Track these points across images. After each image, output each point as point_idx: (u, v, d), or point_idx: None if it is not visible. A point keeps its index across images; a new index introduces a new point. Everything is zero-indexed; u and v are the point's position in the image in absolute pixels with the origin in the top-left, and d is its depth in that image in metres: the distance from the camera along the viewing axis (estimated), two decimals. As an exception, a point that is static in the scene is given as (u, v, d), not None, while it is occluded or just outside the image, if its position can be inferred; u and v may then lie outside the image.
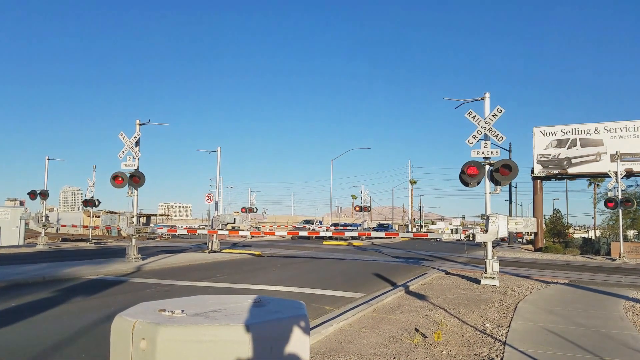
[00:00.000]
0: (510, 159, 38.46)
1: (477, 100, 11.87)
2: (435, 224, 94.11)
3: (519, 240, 55.17)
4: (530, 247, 33.86)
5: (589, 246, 29.61)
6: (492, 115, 11.17)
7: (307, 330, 1.71)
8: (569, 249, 28.93)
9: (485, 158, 11.25)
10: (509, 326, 6.64)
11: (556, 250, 28.27)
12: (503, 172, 10.77)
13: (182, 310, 1.68)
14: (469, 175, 11.11)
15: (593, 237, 36.18)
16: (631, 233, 37.12)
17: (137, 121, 15.01)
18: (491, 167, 11.06)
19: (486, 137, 11.25)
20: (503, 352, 5.30)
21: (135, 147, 14.74)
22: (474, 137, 11.33)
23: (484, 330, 6.45)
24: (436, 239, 48.97)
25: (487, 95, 11.62)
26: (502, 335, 6.11)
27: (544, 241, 31.19)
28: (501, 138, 11.08)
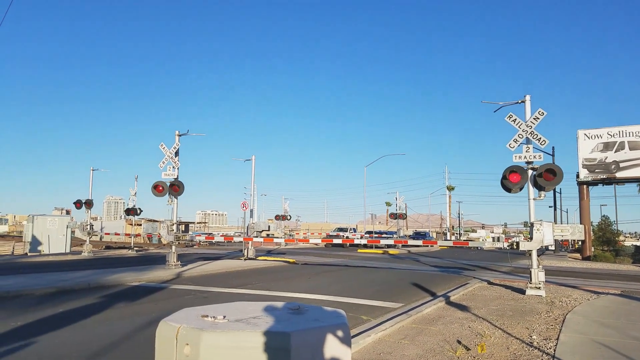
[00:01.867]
0: (553, 163, 36.93)
1: (517, 103, 11.48)
2: (476, 231, 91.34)
3: (565, 248, 52.72)
4: (578, 255, 32.21)
5: (642, 255, 27.85)
6: (534, 118, 10.76)
7: (347, 340, 1.65)
8: (619, 258, 27.30)
9: (528, 162, 10.83)
10: (557, 339, 6.29)
11: (606, 258, 26.75)
12: (547, 177, 10.32)
13: (224, 317, 1.66)
14: (511, 181, 10.72)
15: (646, 246, 34.02)
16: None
17: (177, 132, 15.47)
18: (534, 172, 10.63)
19: (528, 141, 10.83)
20: (553, 367, 5.01)
21: (175, 157, 15.18)
22: (515, 141, 10.94)
23: (531, 342, 6.14)
24: (477, 247, 47.48)
25: (528, 97, 11.22)
26: (550, 349, 5.79)
27: (592, 249, 29.61)
28: (544, 142, 10.64)
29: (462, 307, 8.74)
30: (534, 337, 6.46)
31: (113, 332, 6.41)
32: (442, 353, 5.56)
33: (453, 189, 68.31)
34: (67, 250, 24.89)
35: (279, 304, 2.05)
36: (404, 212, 39.82)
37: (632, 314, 8.34)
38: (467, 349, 5.75)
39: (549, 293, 10.67)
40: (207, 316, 1.65)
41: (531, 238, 10.38)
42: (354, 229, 56.49)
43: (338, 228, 53.06)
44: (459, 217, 74.58)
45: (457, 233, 69.72)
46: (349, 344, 1.64)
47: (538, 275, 10.31)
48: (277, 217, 44.78)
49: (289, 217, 45.24)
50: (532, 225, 10.46)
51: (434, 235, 65.01)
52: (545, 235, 10.27)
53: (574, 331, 6.79)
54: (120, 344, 5.84)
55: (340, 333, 1.64)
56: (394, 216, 36.05)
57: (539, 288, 10.29)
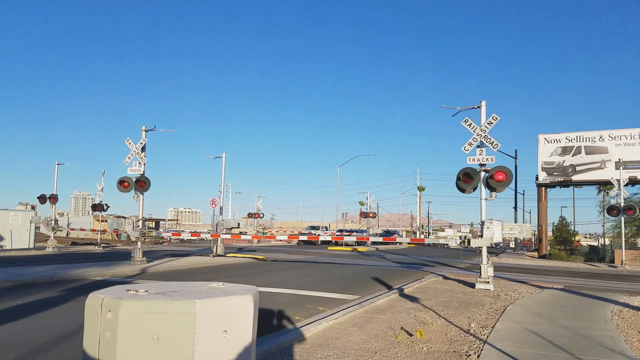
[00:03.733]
0: (515, 165, 38.40)
1: (474, 108, 12.08)
2: (444, 230, 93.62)
3: (527, 247, 54.89)
4: (535, 254, 33.71)
5: (594, 254, 29.44)
6: (488, 123, 11.38)
7: (250, 308, 2.00)
8: (573, 256, 28.78)
9: (481, 165, 11.45)
10: (493, 327, 6.84)
11: (560, 257, 28.16)
12: (498, 178, 10.95)
13: (146, 291, 1.99)
14: (464, 182, 11.31)
15: (599, 245, 35.97)
16: (640, 241, 36.74)
17: (143, 127, 15.48)
18: (486, 174, 11.26)
19: (482, 144, 11.45)
20: (481, 350, 5.51)
21: (141, 152, 15.19)
22: (470, 144, 11.55)
23: (468, 330, 6.66)
24: (444, 245, 49.37)
25: (484, 103, 11.84)
26: (484, 335, 6.32)
27: (549, 248, 31.07)
28: (496, 145, 11.28)
29: (412, 299, 9.26)
30: (472, 325, 7.00)
31: (70, 323, 6.58)
32: (384, 338, 6.01)
33: (423, 189, 69.75)
34: (31, 246, 24.35)
35: (202, 283, 2.39)
36: (374, 211, 40.55)
37: (567, 306, 9.04)
38: (409, 334, 6.22)
39: (497, 287, 11.35)
40: (131, 290, 1.98)
41: (482, 235, 11.01)
42: (326, 227, 57.04)
43: (311, 226, 53.58)
44: (428, 217, 76.33)
45: (426, 232, 71.36)
46: (252, 311, 2.00)
47: (487, 271, 10.96)
48: (250, 215, 44.94)
49: (261, 215, 45.44)
50: (482, 223, 11.09)
51: (404, 234, 66.36)
52: (495, 233, 10.92)
53: (510, 320, 7.38)
54: (77, 334, 6.03)
55: (244, 302, 1.99)
56: (364, 215, 36.71)
57: (488, 282, 10.94)
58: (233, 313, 1.90)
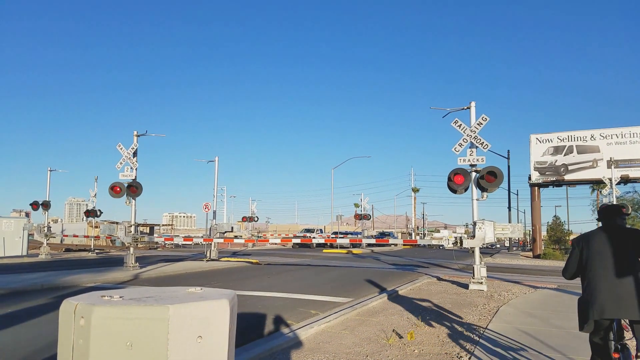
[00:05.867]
0: (508, 166, 38.59)
1: (464, 109, 12.14)
2: (439, 232, 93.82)
3: (521, 247, 55.15)
4: (530, 254, 33.84)
5: (588, 252, 29.52)
6: (477, 124, 11.44)
7: (227, 313, 1.98)
8: (567, 256, 28.90)
9: (472, 165, 11.49)
10: (485, 327, 6.83)
11: (554, 256, 28.25)
12: (488, 179, 11.00)
13: (121, 296, 1.97)
14: (455, 183, 11.35)
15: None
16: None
17: (135, 132, 15.41)
18: (477, 174, 11.30)
19: (472, 145, 11.50)
20: (473, 351, 5.51)
21: (133, 157, 15.12)
22: (460, 145, 11.60)
23: (461, 331, 6.66)
24: (439, 246, 49.53)
25: (473, 104, 11.90)
26: (476, 336, 6.32)
27: (543, 248, 31.18)
28: (486, 145, 11.33)
29: (406, 301, 9.24)
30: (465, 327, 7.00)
31: (57, 331, 6.51)
32: (376, 341, 5.99)
33: (418, 190, 70.04)
34: (24, 253, 24.14)
35: (180, 288, 2.36)
36: (369, 213, 40.56)
37: (560, 305, 9.07)
38: (400, 336, 6.20)
39: (491, 288, 11.36)
40: (105, 296, 1.95)
41: (474, 236, 11.03)
42: (321, 230, 57.17)
43: (305, 229, 53.65)
44: (423, 218, 76.50)
45: (421, 233, 71.50)
46: (227, 316, 1.98)
47: (480, 271, 10.98)
48: (245, 219, 44.82)
49: (256, 219, 45.31)
50: (474, 224, 11.12)
51: (399, 235, 66.40)
52: (487, 233, 10.94)
53: (502, 321, 7.38)
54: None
55: (220, 306, 1.97)
56: (359, 217, 36.68)
57: (481, 283, 10.95)
58: (208, 318, 1.88)
